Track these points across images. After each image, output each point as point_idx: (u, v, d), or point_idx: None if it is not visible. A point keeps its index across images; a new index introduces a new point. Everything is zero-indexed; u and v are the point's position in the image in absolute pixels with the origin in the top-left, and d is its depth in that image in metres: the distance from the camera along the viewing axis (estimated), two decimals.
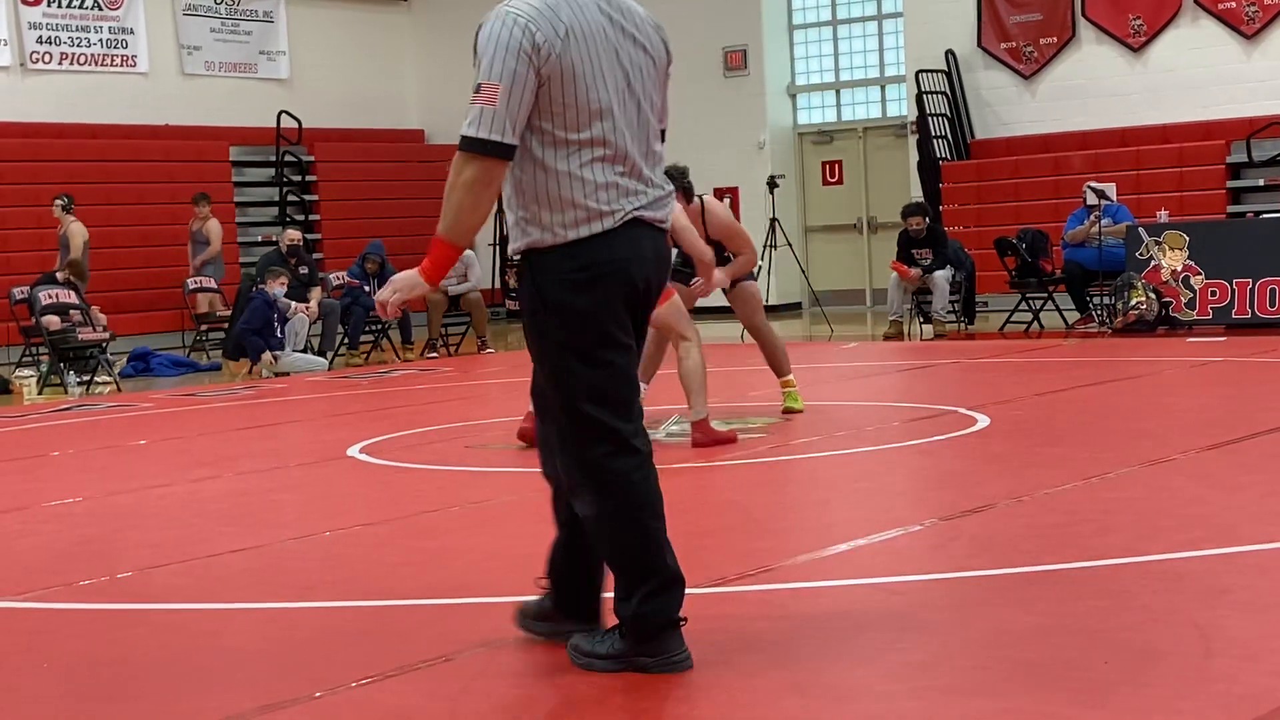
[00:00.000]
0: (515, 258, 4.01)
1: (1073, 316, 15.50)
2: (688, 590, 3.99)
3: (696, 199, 8.86)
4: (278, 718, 3.80)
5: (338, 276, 17.61)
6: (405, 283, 4.01)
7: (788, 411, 9.26)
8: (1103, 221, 14.96)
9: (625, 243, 3.93)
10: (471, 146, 3.82)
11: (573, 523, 4.13)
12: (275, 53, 22.09)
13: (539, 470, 4.21)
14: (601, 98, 3.89)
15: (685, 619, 3.96)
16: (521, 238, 3.95)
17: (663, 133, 4.12)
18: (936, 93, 19.23)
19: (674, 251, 8.32)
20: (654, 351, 9.03)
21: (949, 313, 15.49)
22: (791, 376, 9.44)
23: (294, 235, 17.17)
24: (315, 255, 19.66)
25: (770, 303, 18.39)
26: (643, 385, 9.26)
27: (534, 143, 3.88)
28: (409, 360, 16.00)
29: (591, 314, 3.90)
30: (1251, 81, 17.57)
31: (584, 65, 3.86)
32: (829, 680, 3.91)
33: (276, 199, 21.61)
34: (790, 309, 20.66)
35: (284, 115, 21.20)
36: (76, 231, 17.12)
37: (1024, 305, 15.74)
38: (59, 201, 17.40)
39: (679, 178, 8.49)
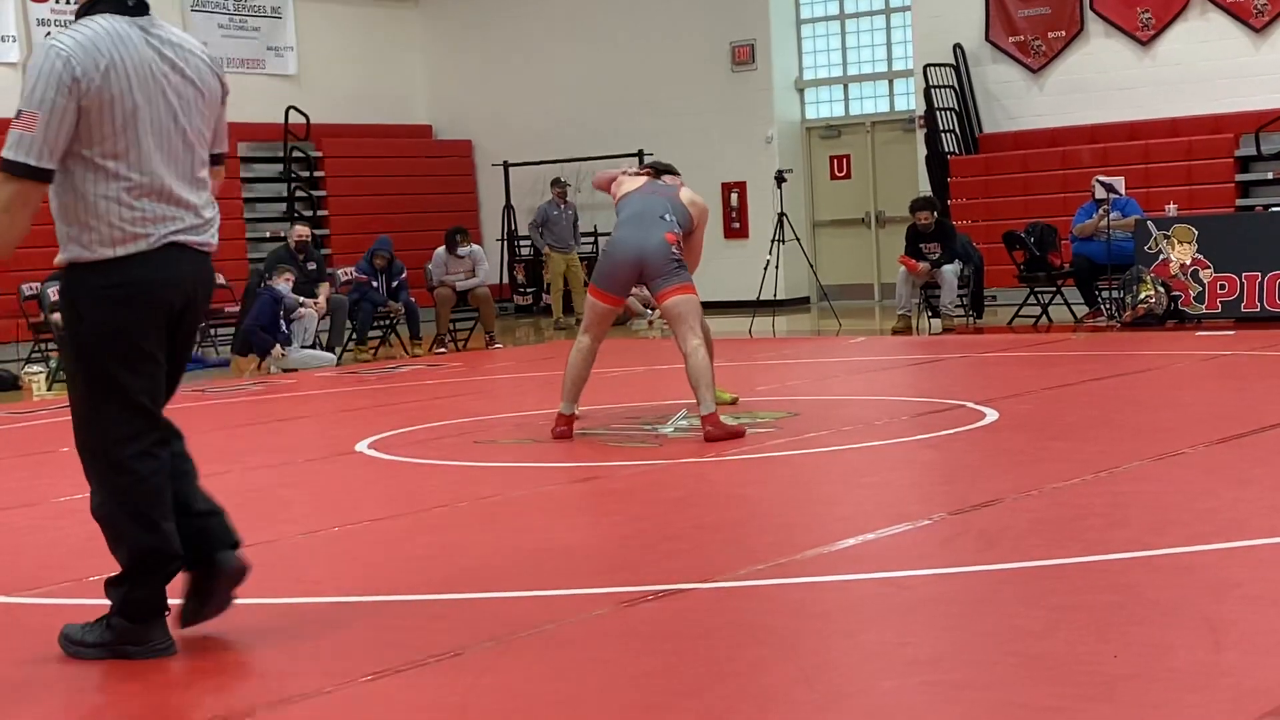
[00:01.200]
0: (59, 267, 4.28)
1: (1081, 310, 15.47)
2: (695, 585, 3.99)
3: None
4: (287, 713, 3.80)
5: (346, 272, 17.61)
6: None
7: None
8: (1111, 215, 14.94)
9: (160, 264, 4.20)
10: (9, 169, 4.09)
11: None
12: (283, 48, 22.09)
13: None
14: (140, 128, 4.16)
15: (170, 609, 4.33)
16: (65, 252, 4.24)
17: (220, 156, 4.47)
18: (944, 87, 19.19)
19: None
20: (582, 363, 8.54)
21: (957, 307, 15.47)
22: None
23: (302, 231, 17.15)
24: (323, 251, 19.66)
25: (778, 298, 18.42)
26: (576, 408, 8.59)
27: (75, 167, 4.15)
28: (417, 355, 16.01)
29: (122, 329, 4.18)
30: (1260, 75, 17.51)
31: (124, 98, 4.12)
32: (837, 674, 3.92)
33: (284, 195, 21.60)
34: (798, 303, 20.64)
35: (292, 111, 21.18)
36: None
37: (1032, 299, 15.71)
38: None
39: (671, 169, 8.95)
